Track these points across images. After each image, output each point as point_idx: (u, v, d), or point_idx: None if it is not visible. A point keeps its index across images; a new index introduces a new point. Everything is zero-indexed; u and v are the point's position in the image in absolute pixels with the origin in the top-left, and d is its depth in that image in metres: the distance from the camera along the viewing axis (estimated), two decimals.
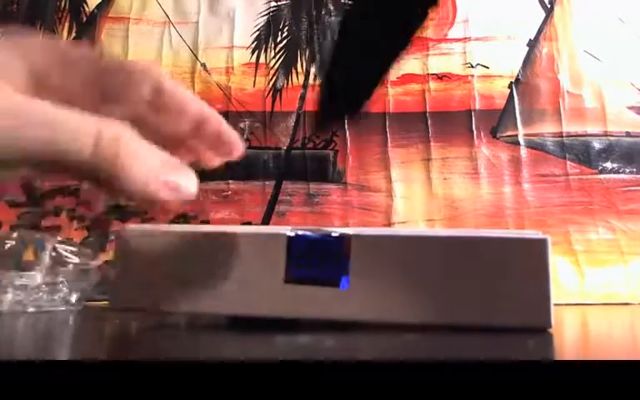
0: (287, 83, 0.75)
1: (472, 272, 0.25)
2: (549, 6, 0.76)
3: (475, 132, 0.71)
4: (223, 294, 0.26)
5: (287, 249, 0.26)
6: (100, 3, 0.79)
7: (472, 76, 0.73)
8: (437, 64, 0.74)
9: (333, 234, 0.26)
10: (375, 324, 0.25)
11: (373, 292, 0.25)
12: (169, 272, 0.27)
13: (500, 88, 0.73)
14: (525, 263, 0.24)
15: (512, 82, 0.73)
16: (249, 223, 0.69)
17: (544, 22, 0.75)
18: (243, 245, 0.27)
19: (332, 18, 0.77)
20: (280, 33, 0.77)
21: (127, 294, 0.27)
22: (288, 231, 0.26)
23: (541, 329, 0.24)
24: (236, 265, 0.26)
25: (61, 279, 0.49)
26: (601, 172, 0.70)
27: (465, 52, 0.75)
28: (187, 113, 0.28)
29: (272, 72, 0.76)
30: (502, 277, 0.24)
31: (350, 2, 0.29)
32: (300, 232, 0.26)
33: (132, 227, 0.28)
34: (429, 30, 0.76)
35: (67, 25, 0.78)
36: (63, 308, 0.47)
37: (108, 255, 0.65)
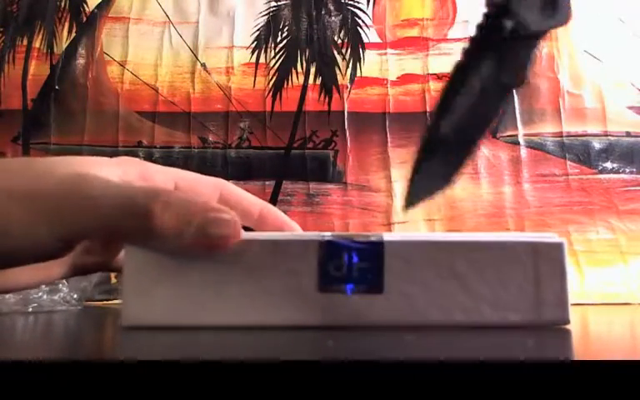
0: (287, 83, 0.75)
1: (497, 272, 0.26)
2: None
3: None
4: (249, 305, 0.26)
5: (320, 256, 0.26)
6: (100, 3, 0.79)
7: None
8: (437, 64, 0.74)
9: (367, 240, 0.26)
10: (408, 327, 0.26)
11: (405, 297, 0.26)
12: (186, 283, 0.26)
13: None
14: (544, 265, 0.26)
15: None
16: None
17: None
18: (276, 252, 0.26)
19: (332, 18, 0.77)
20: (280, 33, 0.77)
21: (142, 311, 0.26)
22: (319, 237, 0.26)
23: (560, 325, 0.26)
24: (261, 273, 0.26)
25: None
26: (601, 172, 0.70)
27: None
28: (251, 214, 0.33)
29: (272, 72, 0.76)
30: (524, 278, 0.26)
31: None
32: (332, 238, 0.26)
33: None
34: (429, 30, 0.76)
35: (67, 25, 0.78)
36: (63, 308, 0.47)
37: None
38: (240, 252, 0.25)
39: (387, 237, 0.26)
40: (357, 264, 0.26)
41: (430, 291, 0.26)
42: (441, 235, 0.30)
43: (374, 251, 0.26)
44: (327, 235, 0.26)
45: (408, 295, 0.26)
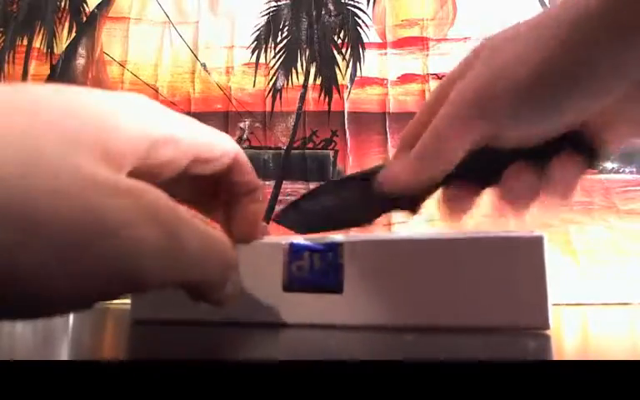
0: (287, 83, 0.75)
1: (470, 272, 0.25)
2: (549, 6, 0.76)
3: None
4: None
5: (285, 258, 0.27)
6: (100, 3, 0.79)
7: None
8: (437, 64, 0.74)
9: (328, 241, 0.26)
10: (372, 327, 0.25)
11: (370, 296, 0.25)
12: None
13: None
14: (521, 263, 0.24)
15: None
16: None
17: None
18: (245, 254, 0.27)
19: (332, 18, 0.77)
20: (280, 33, 0.77)
21: (147, 307, 0.28)
22: (285, 240, 0.27)
23: (539, 329, 0.24)
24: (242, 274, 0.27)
25: None
26: (601, 172, 0.70)
27: (465, 53, 0.74)
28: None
29: (272, 72, 0.76)
30: (499, 278, 0.24)
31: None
32: (295, 241, 0.26)
33: None
34: (429, 30, 0.76)
35: (67, 25, 0.78)
36: None
37: None
38: None
39: (349, 238, 0.26)
40: (317, 265, 0.26)
41: (392, 291, 0.25)
42: (410, 234, 0.29)
43: (333, 252, 0.26)
44: (292, 238, 0.27)
45: (368, 295, 0.25)
